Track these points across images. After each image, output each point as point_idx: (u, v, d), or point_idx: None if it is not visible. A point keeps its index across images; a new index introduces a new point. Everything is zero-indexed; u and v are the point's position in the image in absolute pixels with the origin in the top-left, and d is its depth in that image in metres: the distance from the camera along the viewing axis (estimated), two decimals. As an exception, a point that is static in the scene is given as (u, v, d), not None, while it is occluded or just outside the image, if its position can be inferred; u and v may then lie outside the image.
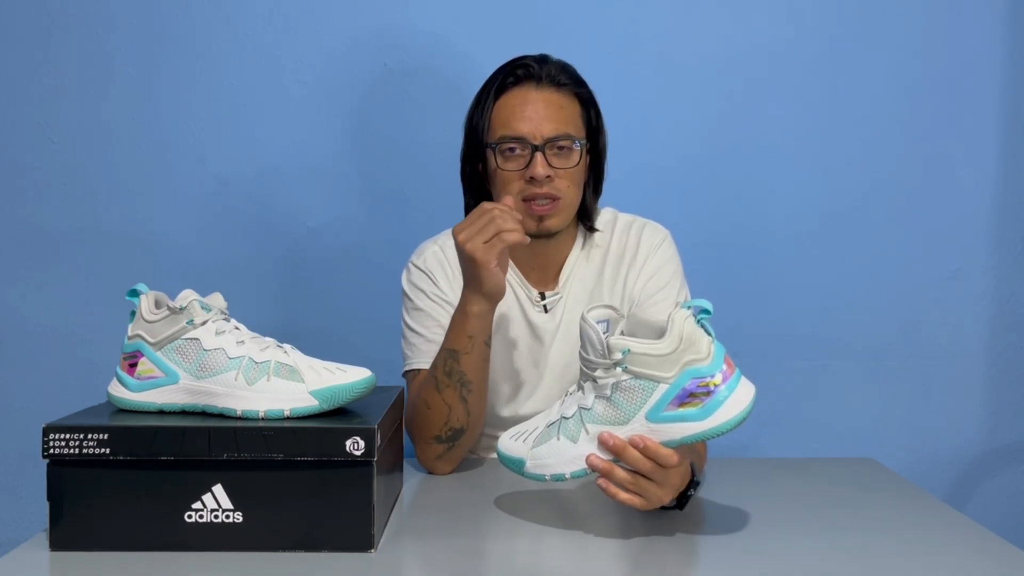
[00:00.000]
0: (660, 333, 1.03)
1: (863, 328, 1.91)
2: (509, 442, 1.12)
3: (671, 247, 1.51)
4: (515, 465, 1.10)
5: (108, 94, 1.86)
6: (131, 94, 1.86)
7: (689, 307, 1.04)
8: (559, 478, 1.07)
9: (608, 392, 1.04)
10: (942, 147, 1.89)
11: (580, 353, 1.07)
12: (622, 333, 1.06)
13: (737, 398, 1.03)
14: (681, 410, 1.02)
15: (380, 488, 1.07)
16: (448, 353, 1.33)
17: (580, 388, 1.08)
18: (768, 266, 1.90)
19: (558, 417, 1.08)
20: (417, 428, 1.37)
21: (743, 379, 1.05)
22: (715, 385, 1.02)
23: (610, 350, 1.03)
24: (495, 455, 1.50)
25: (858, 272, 1.90)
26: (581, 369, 1.08)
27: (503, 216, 1.27)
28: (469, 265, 1.29)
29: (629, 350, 1.02)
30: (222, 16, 1.85)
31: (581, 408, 1.06)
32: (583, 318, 1.06)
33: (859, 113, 1.89)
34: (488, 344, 1.34)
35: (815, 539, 1.11)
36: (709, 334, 1.04)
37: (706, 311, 1.04)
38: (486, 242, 1.27)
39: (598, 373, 1.05)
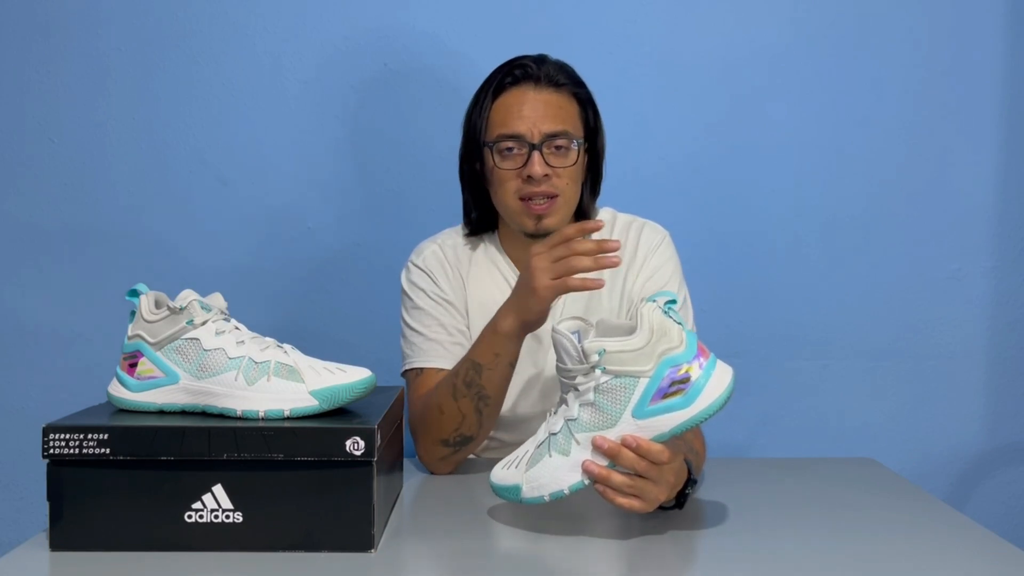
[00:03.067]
0: (631, 333, 1.04)
1: (863, 328, 1.91)
2: (501, 472, 1.11)
3: (670, 247, 1.51)
4: (511, 493, 1.09)
5: (108, 93, 1.86)
6: (131, 94, 1.86)
7: (654, 300, 1.05)
8: (558, 495, 1.06)
9: (591, 397, 1.04)
10: (942, 148, 1.89)
11: (557, 367, 1.08)
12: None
13: (717, 380, 1.04)
14: (665, 402, 1.03)
15: (380, 488, 1.07)
16: (471, 364, 1.31)
17: (563, 402, 1.08)
18: (768, 267, 1.89)
19: (546, 435, 1.08)
20: (425, 429, 1.37)
21: (719, 362, 1.06)
22: (693, 371, 1.03)
23: (586, 354, 1.04)
24: (497, 455, 1.50)
25: (858, 272, 1.90)
26: (561, 382, 1.09)
27: (581, 258, 1.20)
28: (526, 289, 1.24)
29: (604, 350, 1.03)
30: (222, 16, 1.85)
31: (567, 420, 1.07)
32: (554, 330, 1.07)
33: (859, 114, 1.88)
34: (512, 366, 1.31)
35: (815, 539, 1.11)
36: (679, 323, 1.05)
37: (672, 301, 1.06)
38: (555, 279, 1.22)
39: (578, 380, 1.05)
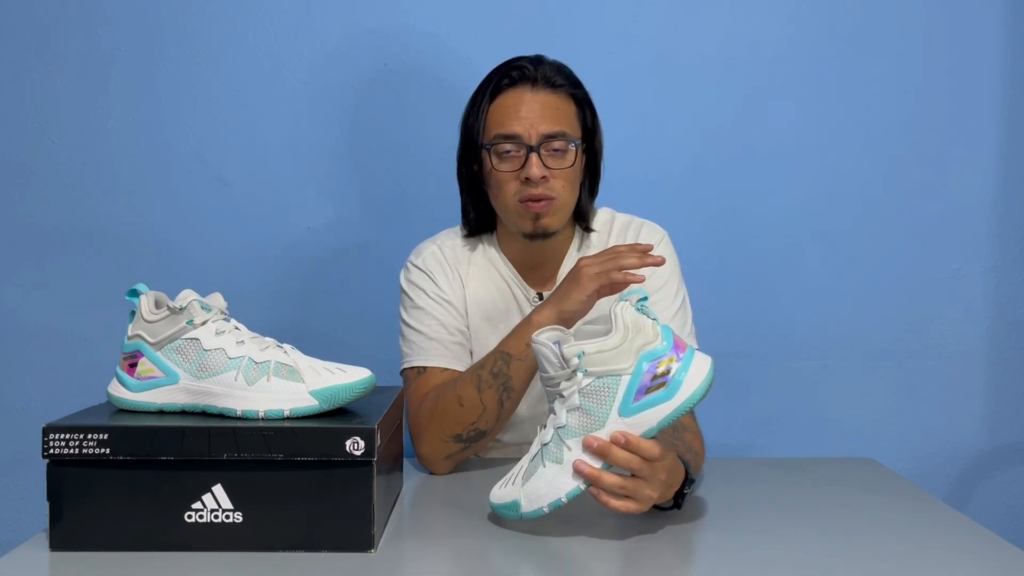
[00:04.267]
0: (608, 334, 1.06)
1: (863, 328, 1.91)
2: (499, 491, 1.11)
3: (668, 247, 1.51)
4: (511, 510, 1.09)
5: (108, 94, 1.86)
6: (131, 94, 1.86)
7: (626, 299, 1.07)
8: (556, 505, 1.07)
9: (577, 401, 1.06)
10: (942, 147, 1.89)
11: (541, 376, 1.10)
12: None
13: (697, 369, 1.05)
14: (649, 396, 1.04)
15: (380, 488, 1.07)
16: (501, 355, 1.33)
17: (551, 411, 1.09)
18: (768, 266, 1.90)
19: (539, 447, 1.09)
20: (435, 424, 1.35)
21: (697, 352, 1.08)
22: (672, 364, 1.04)
23: (566, 359, 1.06)
24: (494, 455, 1.51)
25: (858, 272, 1.90)
26: (546, 391, 1.10)
27: (627, 256, 1.26)
28: (569, 281, 1.29)
29: (583, 352, 1.05)
30: (222, 16, 1.85)
31: (557, 429, 1.08)
32: (533, 340, 1.09)
33: (859, 113, 1.88)
34: None
35: (815, 539, 1.11)
36: (653, 319, 1.07)
37: (644, 298, 1.08)
38: (598, 272, 1.26)
39: (562, 386, 1.07)
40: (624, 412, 1.04)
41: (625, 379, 1.04)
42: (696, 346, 1.32)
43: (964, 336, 1.91)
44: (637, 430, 1.05)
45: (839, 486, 1.36)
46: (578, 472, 1.06)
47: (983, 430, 1.93)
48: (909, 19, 1.87)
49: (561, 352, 1.06)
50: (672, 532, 1.12)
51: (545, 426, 1.10)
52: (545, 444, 1.08)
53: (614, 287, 1.26)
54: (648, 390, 1.04)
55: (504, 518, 1.12)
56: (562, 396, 1.07)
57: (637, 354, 1.04)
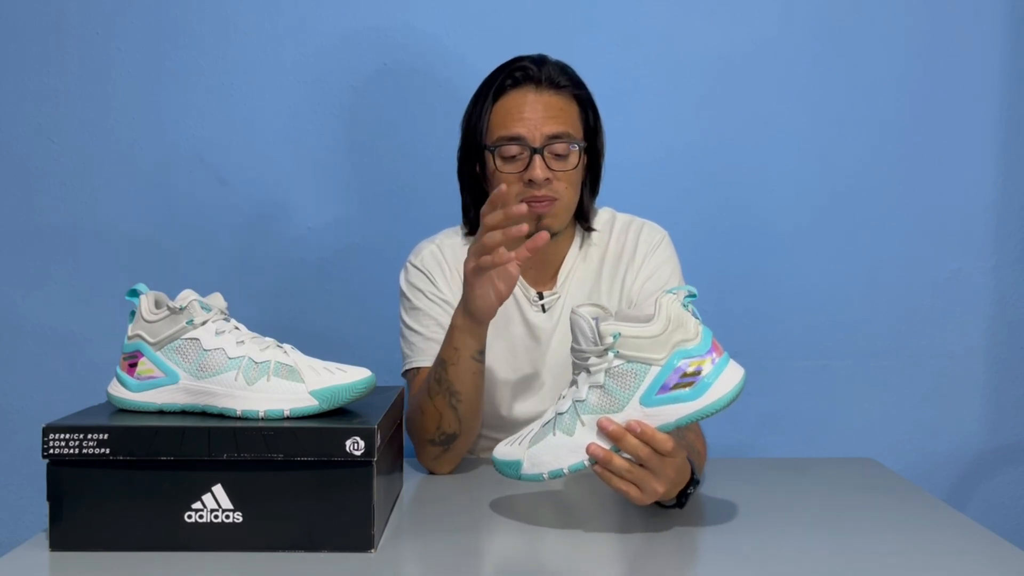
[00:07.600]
0: (648, 322, 1.05)
1: (863, 328, 1.91)
2: (504, 448, 1.11)
3: (669, 247, 1.51)
4: (511, 469, 1.09)
5: (108, 93, 1.86)
6: (131, 94, 1.86)
7: (674, 292, 1.06)
8: (557, 474, 1.07)
9: (601, 379, 1.05)
10: (941, 147, 1.89)
11: (572, 347, 1.09)
12: None
13: (727, 377, 1.05)
14: (673, 392, 1.04)
15: (380, 488, 1.07)
16: (439, 361, 1.33)
17: (574, 383, 1.09)
18: (767, 266, 1.90)
19: (553, 415, 1.09)
20: (413, 429, 1.38)
21: (732, 361, 1.07)
22: (704, 366, 1.04)
23: (601, 336, 1.05)
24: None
25: (858, 272, 1.90)
26: (573, 363, 1.09)
27: (491, 234, 1.20)
28: (464, 279, 1.28)
29: (620, 333, 1.04)
30: (222, 15, 1.85)
31: (575, 401, 1.07)
32: (573, 311, 1.07)
33: (859, 112, 1.88)
34: (476, 359, 1.31)
35: (815, 539, 1.11)
36: (696, 317, 1.06)
37: (692, 295, 1.07)
38: (472, 265, 1.24)
39: (591, 361, 1.06)
40: (645, 402, 1.04)
41: (655, 370, 1.03)
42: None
43: (964, 336, 1.91)
44: (654, 422, 1.04)
45: (839, 486, 1.36)
46: (590, 453, 1.05)
47: (983, 430, 1.93)
48: (909, 17, 1.87)
49: (598, 328, 1.05)
50: (673, 532, 1.12)
51: (564, 396, 1.09)
52: (560, 413, 1.08)
53: (493, 263, 1.21)
54: (675, 386, 1.03)
55: (502, 475, 1.11)
56: (588, 371, 1.06)
57: (673, 348, 1.03)
